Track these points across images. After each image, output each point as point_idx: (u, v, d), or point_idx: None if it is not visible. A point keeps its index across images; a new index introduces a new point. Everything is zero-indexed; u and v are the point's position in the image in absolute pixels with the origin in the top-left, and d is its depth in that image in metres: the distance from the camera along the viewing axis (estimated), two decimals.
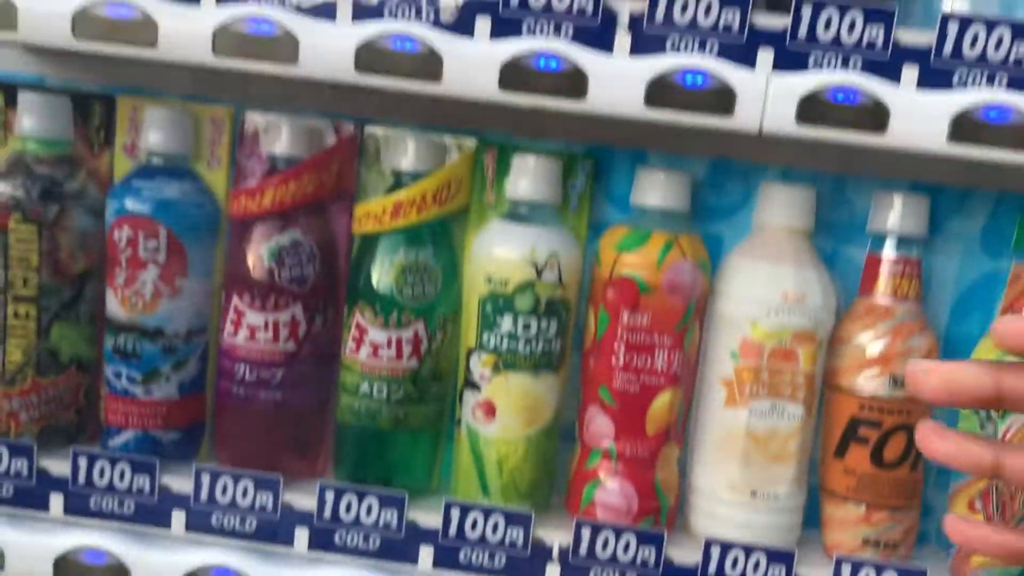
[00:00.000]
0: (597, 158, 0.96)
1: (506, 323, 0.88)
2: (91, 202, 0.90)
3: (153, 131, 0.89)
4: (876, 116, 0.79)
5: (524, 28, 0.81)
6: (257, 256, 0.88)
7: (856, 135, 0.79)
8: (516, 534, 0.89)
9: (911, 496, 0.91)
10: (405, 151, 0.90)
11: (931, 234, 0.92)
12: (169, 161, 0.90)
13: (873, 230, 0.91)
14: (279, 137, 0.90)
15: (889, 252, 0.90)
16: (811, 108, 0.79)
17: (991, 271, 0.95)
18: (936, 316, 0.95)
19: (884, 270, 0.90)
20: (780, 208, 0.90)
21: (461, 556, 0.90)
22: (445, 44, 0.79)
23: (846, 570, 0.88)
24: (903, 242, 0.90)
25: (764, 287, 0.88)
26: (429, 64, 0.80)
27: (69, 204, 0.89)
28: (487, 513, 0.89)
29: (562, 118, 0.92)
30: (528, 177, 0.89)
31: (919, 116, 0.78)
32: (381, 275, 0.88)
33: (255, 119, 0.94)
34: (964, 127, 0.78)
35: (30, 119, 0.88)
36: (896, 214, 0.90)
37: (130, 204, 0.88)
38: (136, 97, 0.94)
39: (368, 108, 0.95)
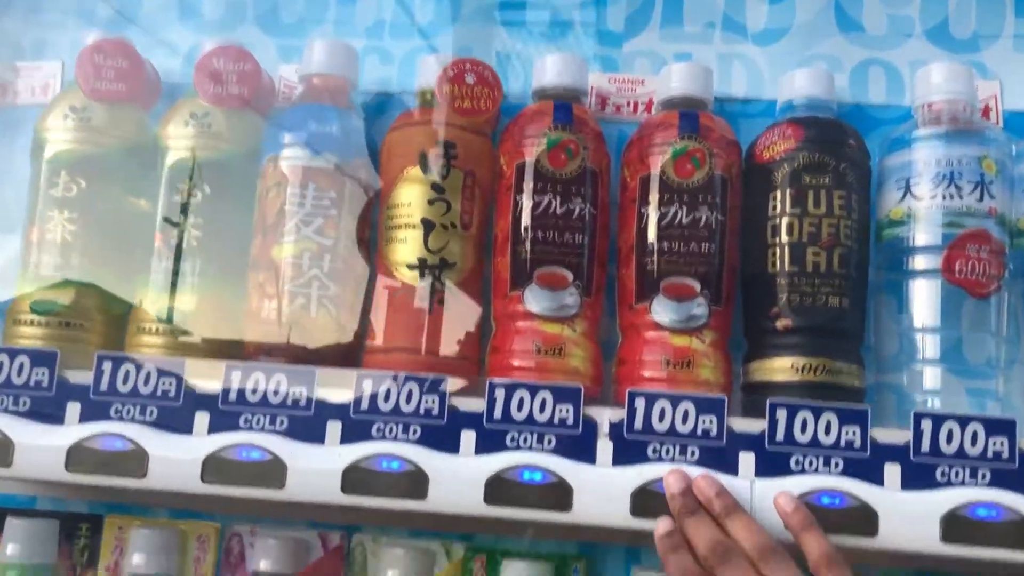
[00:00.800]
0: (590, 557, 0.94)
1: None
2: None
3: (136, 553, 0.89)
4: (865, 519, 0.78)
5: (508, 440, 0.83)
6: None
7: (847, 539, 0.78)
8: None
9: None
10: (391, 562, 0.88)
11: None
12: None
13: None
14: (264, 554, 0.88)
15: None
16: None
17: None
18: None
19: None
20: None
21: None
22: (430, 462, 0.81)
23: None
24: None
25: None
26: (415, 482, 0.80)
27: None
28: None
29: None
30: None
31: (908, 517, 0.78)
32: None
33: (240, 534, 0.93)
34: (956, 527, 0.77)
35: (15, 547, 0.87)
36: None
37: None
38: (123, 516, 0.95)
39: (355, 516, 0.95)
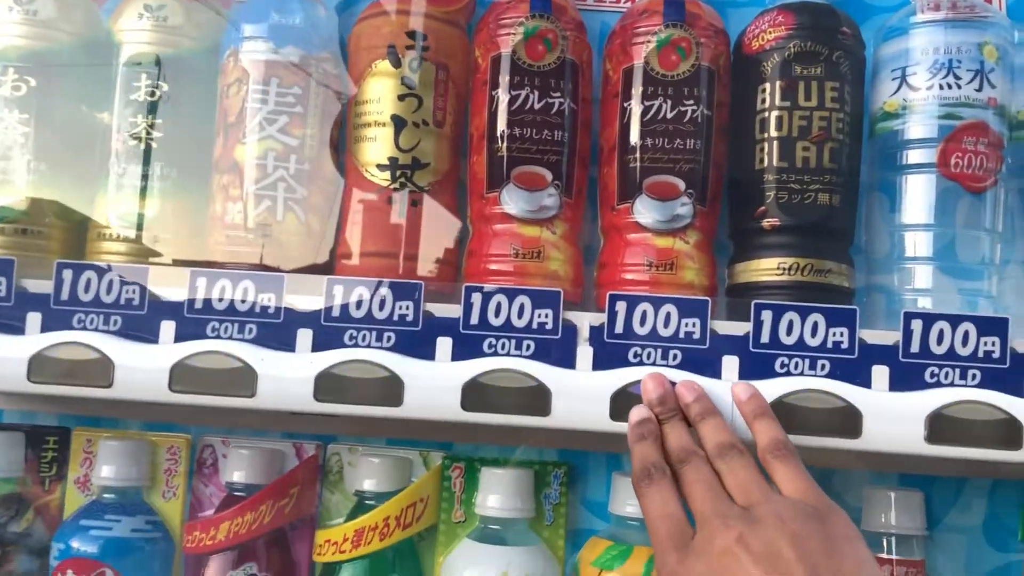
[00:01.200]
0: (570, 464, 0.92)
1: None
2: (36, 543, 0.86)
3: (106, 465, 0.87)
4: (848, 420, 0.76)
5: (485, 346, 0.80)
6: None
7: (830, 440, 0.76)
8: None
9: None
10: (368, 471, 0.87)
11: (930, 530, 0.87)
12: (121, 496, 0.87)
13: (869, 531, 0.86)
14: (237, 464, 0.87)
15: (888, 555, 0.84)
16: (784, 414, 0.76)
17: (1001, 565, 0.89)
18: None
19: None
20: None
21: None
22: (405, 368, 0.78)
23: None
24: (902, 542, 0.84)
25: None
26: (390, 388, 0.78)
27: (11, 549, 0.84)
28: None
29: None
30: (498, 492, 0.85)
31: (894, 418, 0.76)
32: None
33: (212, 445, 0.91)
34: (941, 427, 0.75)
35: None
36: (891, 512, 0.85)
37: (76, 544, 0.83)
38: (91, 429, 0.92)
39: (331, 426, 0.93)
